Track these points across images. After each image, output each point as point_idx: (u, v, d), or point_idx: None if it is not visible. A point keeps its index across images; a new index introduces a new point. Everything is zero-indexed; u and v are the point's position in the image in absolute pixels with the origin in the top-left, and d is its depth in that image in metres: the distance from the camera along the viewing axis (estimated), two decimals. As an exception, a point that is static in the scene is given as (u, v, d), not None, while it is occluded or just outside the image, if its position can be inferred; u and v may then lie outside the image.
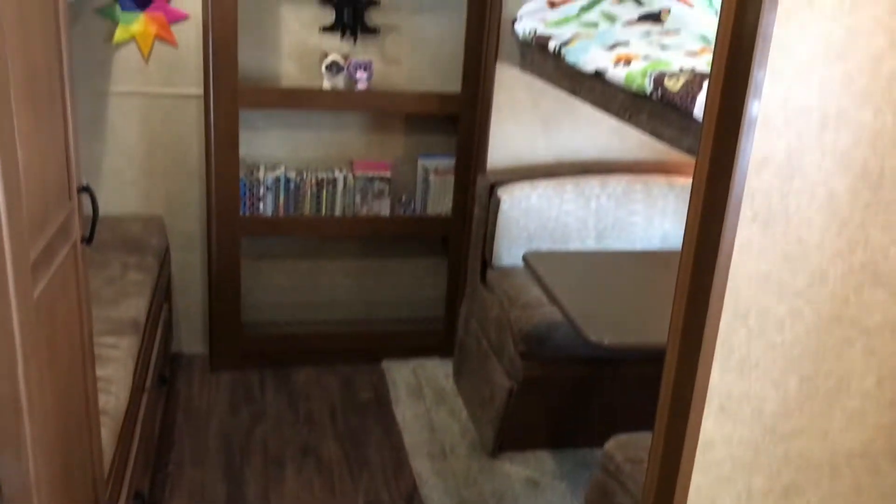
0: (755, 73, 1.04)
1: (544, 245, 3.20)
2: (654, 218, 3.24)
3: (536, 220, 3.17)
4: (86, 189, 1.61)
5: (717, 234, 1.10)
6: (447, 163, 3.44)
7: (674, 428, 1.26)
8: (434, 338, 3.62)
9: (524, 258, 2.87)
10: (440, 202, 3.48)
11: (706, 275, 1.14)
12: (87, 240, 1.65)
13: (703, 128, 1.10)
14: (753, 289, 1.17)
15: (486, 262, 3.26)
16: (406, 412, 3.26)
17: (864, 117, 1.12)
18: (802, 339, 1.23)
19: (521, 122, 3.23)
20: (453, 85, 3.36)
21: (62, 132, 1.56)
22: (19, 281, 1.17)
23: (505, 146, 3.24)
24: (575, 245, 3.22)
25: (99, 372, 2.31)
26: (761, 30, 1.02)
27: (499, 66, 3.16)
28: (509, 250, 3.18)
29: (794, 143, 1.10)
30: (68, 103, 1.56)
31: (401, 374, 3.50)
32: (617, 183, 3.24)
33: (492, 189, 3.20)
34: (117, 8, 3.06)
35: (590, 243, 3.24)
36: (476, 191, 3.27)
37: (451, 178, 3.44)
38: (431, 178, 3.45)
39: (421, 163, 3.46)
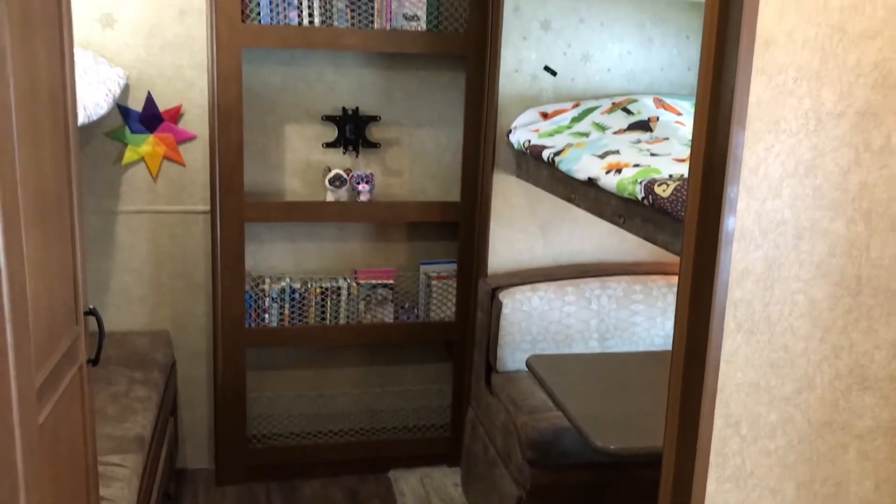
0: (728, 191, 1.09)
1: (548, 348, 3.22)
2: (655, 318, 3.27)
3: (539, 324, 3.20)
4: (92, 312, 1.66)
5: (703, 345, 1.14)
6: (449, 268, 3.51)
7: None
8: (441, 445, 3.60)
9: (527, 363, 2.88)
10: (443, 307, 3.52)
11: (695, 386, 1.17)
12: (93, 362, 1.68)
13: (682, 242, 1.16)
14: (743, 397, 1.19)
15: (490, 366, 3.28)
16: (414, 523, 3.22)
17: (837, 228, 1.17)
18: (796, 446, 1.25)
19: (519, 227, 3.31)
20: (453, 194, 3.46)
21: (70, 257, 1.61)
22: (24, 409, 1.20)
23: (505, 251, 3.31)
24: (578, 347, 3.24)
25: (104, 492, 2.32)
26: (731, 151, 1.08)
27: (496, 174, 3.26)
28: (513, 354, 3.20)
29: (772, 254, 1.15)
30: (77, 229, 1.63)
31: (408, 484, 3.47)
32: (617, 284, 3.29)
33: (493, 293, 3.24)
34: (127, 130, 3.19)
35: (593, 345, 3.26)
36: (478, 295, 3.32)
37: (453, 284, 3.50)
38: (434, 283, 3.51)
39: (423, 269, 3.52)
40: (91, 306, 1.68)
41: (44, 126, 1.42)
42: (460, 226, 3.44)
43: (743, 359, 1.17)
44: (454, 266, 3.49)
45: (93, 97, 2.77)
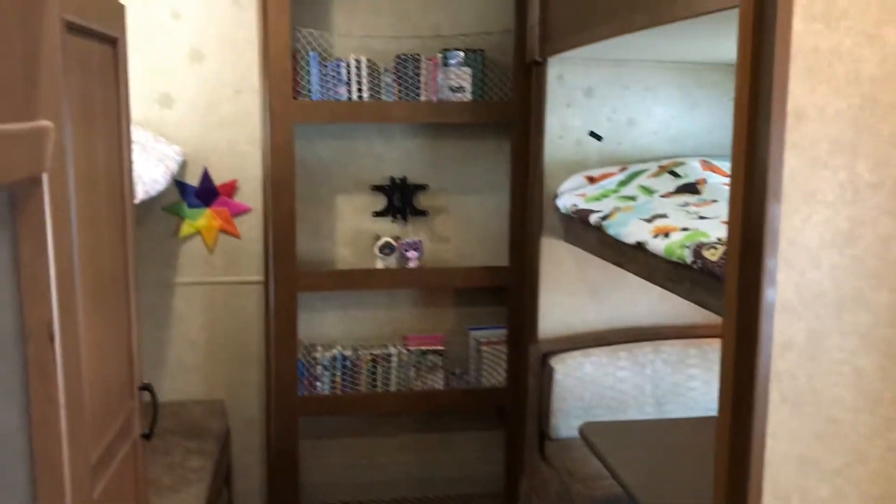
0: (767, 263, 1.10)
1: (602, 414, 3.19)
2: (712, 382, 3.22)
3: (592, 390, 3.17)
4: (146, 387, 1.71)
5: (748, 418, 1.13)
6: (498, 334, 3.51)
7: None
8: (495, 514, 3.56)
9: (580, 430, 2.86)
10: (494, 373, 3.52)
11: (742, 460, 1.16)
12: (147, 436, 1.73)
13: (724, 315, 1.16)
14: (792, 471, 1.18)
15: (543, 434, 3.25)
16: None
17: (880, 298, 1.17)
18: (850, 522, 1.22)
19: (569, 291, 3.31)
20: (500, 259, 3.49)
21: (126, 334, 1.68)
22: (77, 486, 1.24)
23: (555, 315, 3.31)
24: (634, 413, 3.20)
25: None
26: (768, 223, 1.09)
27: (543, 239, 3.28)
28: (566, 421, 3.18)
29: (813, 325, 1.15)
30: (132, 306, 1.69)
31: (462, 555, 3.42)
32: (671, 348, 3.25)
33: (544, 359, 3.24)
34: (184, 205, 3.31)
35: (649, 411, 3.21)
36: (528, 361, 3.31)
37: (503, 349, 3.50)
38: (484, 349, 3.51)
39: (472, 335, 3.53)
40: (145, 381, 1.74)
41: (101, 209, 1.50)
42: (509, 290, 3.45)
43: (789, 431, 1.16)
44: (503, 331, 3.49)
45: (151, 174, 2.89)
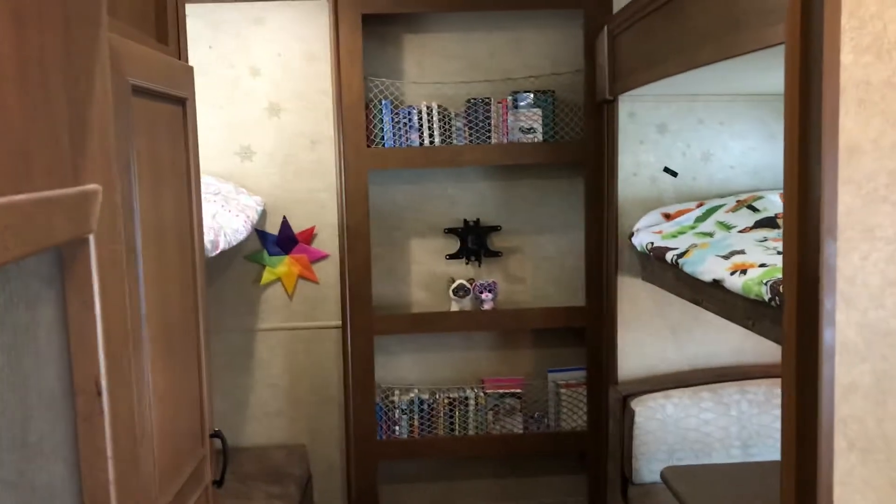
0: (824, 302, 1.06)
1: (686, 458, 3.09)
2: (801, 423, 3.08)
3: (675, 432, 3.09)
4: (217, 434, 1.75)
5: (812, 466, 1.09)
6: (577, 375, 3.47)
7: None
8: (579, 562, 3.48)
9: (662, 475, 2.78)
10: (574, 416, 3.47)
11: (808, 508, 1.11)
12: (218, 483, 1.77)
13: (782, 358, 1.12)
14: (864, 522, 1.12)
15: (626, 478, 3.17)
16: None
17: (953, 337, 1.11)
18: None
19: (648, 330, 3.25)
20: (577, 298, 3.45)
21: (197, 382, 1.73)
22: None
23: (635, 356, 3.25)
24: (719, 456, 3.09)
25: None
26: (824, 262, 1.06)
27: (620, 277, 3.24)
28: (649, 465, 3.09)
29: (880, 366, 1.10)
30: (203, 355, 1.74)
31: None
32: (757, 388, 3.14)
33: (625, 401, 3.17)
34: (265, 253, 3.41)
35: (735, 453, 3.10)
36: (609, 404, 3.25)
37: (583, 391, 3.44)
38: (563, 392, 3.47)
39: (551, 377, 3.50)
40: (216, 428, 1.78)
41: (171, 262, 1.56)
42: (587, 331, 3.41)
43: (860, 480, 1.10)
44: (583, 373, 3.44)
45: (233, 225, 3.00)
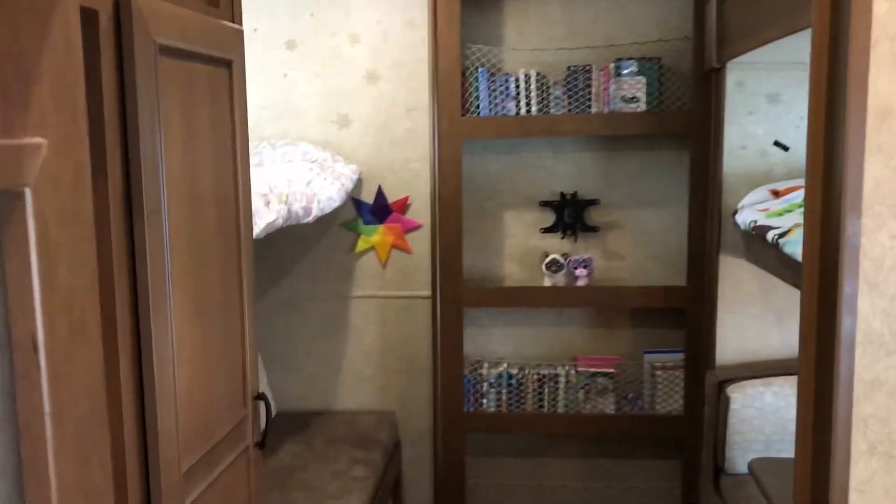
0: (844, 287, 0.94)
1: (785, 450, 2.90)
2: (918, 423, 2.82)
3: (774, 422, 2.92)
4: (260, 397, 1.78)
5: (825, 472, 0.97)
6: (675, 358, 3.32)
7: None
8: (669, 550, 3.35)
9: (749, 466, 2.64)
10: (670, 400, 3.33)
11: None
12: (260, 444, 1.80)
13: (799, 349, 1.00)
14: (889, 535, 0.99)
15: (719, 467, 3.01)
16: None
17: None
18: None
19: (750, 314, 3.07)
20: (679, 278, 3.29)
21: (240, 346, 1.76)
22: (167, 491, 1.31)
23: (735, 340, 3.08)
24: (822, 452, 2.87)
25: (310, 567, 2.44)
26: (845, 241, 0.93)
27: (723, 257, 3.08)
28: (744, 455, 2.94)
29: (913, 363, 0.96)
30: (247, 321, 1.77)
31: (631, 590, 3.26)
32: (870, 381, 2.89)
33: (720, 387, 3.02)
34: (360, 222, 3.45)
35: (840, 450, 2.87)
36: (704, 389, 3.09)
37: (680, 374, 3.29)
38: (658, 374, 3.33)
39: (647, 358, 3.37)
40: (261, 391, 1.81)
41: (208, 227, 1.59)
42: (686, 312, 3.24)
43: (881, 489, 0.98)
44: (681, 356, 3.29)
45: (327, 192, 3.05)
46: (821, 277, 0.97)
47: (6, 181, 0.79)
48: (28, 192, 0.82)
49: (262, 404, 1.83)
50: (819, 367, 0.99)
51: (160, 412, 1.35)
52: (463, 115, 3.24)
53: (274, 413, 3.59)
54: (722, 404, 3.00)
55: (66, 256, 0.91)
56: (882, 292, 0.96)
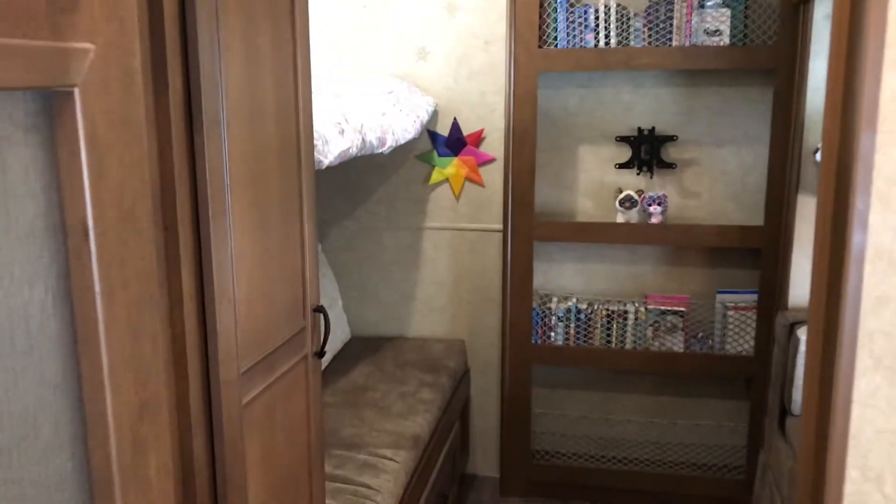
0: (857, 202, 0.95)
1: (856, 395, 2.86)
2: None
3: (844, 367, 2.86)
4: (320, 309, 1.89)
5: (830, 381, 0.99)
6: (748, 299, 3.30)
7: None
8: (734, 488, 3.40)
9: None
10: (741, 341, 3.32)
11: (823, 429, 1.02)
12: (319, 353, 1.91)
13: (812, 264, 1.01)
14: (886, 447, 1.01)
15: (785, 408, 3.00)
16: (691, 567, 3.06)
17: None
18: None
19: (827, 256, 2.99)
20: (756, 218, 3.25)
21: (300, 260, 1.87)
22: (225, 386, 1.43)
23: (809, 282, 3.01)
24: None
25: (369, 481, 2.61)
26: (860, 156, 0.93)
27: (801, 197, 3.03)
28: (811, 398, 2.90)
29: (921, 282, 0.97)
30: (307, 236, 1.88)
31: (692, 525, 3.31)
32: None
33: (791, 329, 2.99)
34: (434, 154, 3.52)
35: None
36: (775, 330, 3.06)
37: (752, 315, 3.27)
38: (730, 314, 3.31)
39: (719, 298, 3.35)
40: (320, 304, 1.92)
41: (269, 143, 1.69)
42: (762, 253, 3.20)
43: (884, 401, 1.00)
44: (754, 297, 3.26)
45: (402, 124, 3.14)
46: (836, 194, 0.98)
47: (54, 80, 0.89)
48: (77, 92, 0.92)
49: (321, 317, 1.94)
50: (830, 282, 1.01)
51: (219, 314, 1.47)
52: (539, 46, 3.24)
53: (349, 336, 3.75)
54: (792, 346, 2.97)
55: (116, 155, 1.01)
56: (894, 209, 0.96)
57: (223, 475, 1.54)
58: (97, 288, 0.97)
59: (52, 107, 0.91)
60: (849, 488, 1.02)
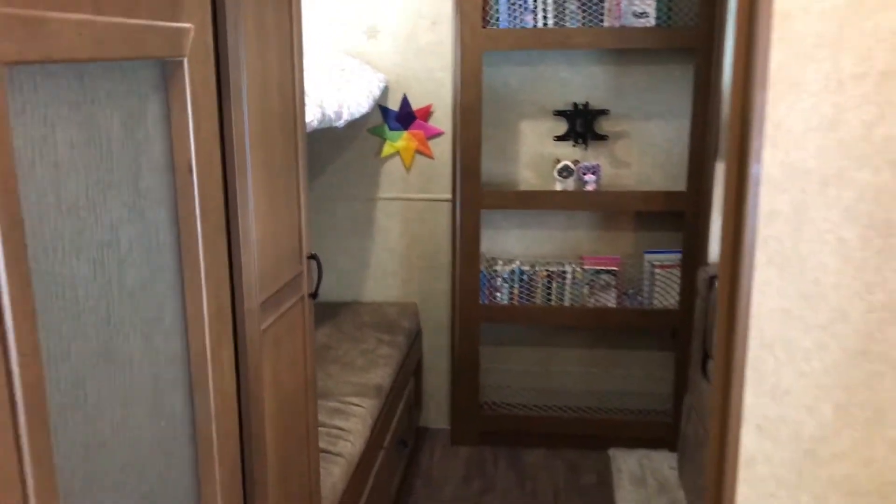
0: (753, 143, 1.36)
1: (767, 338, 3.35)
2: None
3: (757, 313, 3.35)
4: (313, 257, 2.25)
5: (737, 275, 1.41)
6: (673, 258, 3.76)
7: (720, 446, 1.53)
8: (662, 430, 3.86)
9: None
10: (666, 296, 3.79)
11: (733, 310, 1.44)
12: (313, 295, 2.27)
13: (725, 188, 1.43)
14: (777, 322, 1.44)
15: (707, 353, 3.48)
16: (627, 499, 3.52)
17: (863, 176, 1.38)
18: (831, 371, 1.46)
19: (742, 216, 3.47)
20: (679, 184, 3.71)
21: (297, 215, 2.22)
22: (249, 313, 1.78)
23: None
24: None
25: (341, 423, 2.97)
26: (755, 109, 1.35)
27: (718, 164, 3.47)
28: (729, 342, 3.38)
29: (798, 198, 1.39)
30: (302, 193, 2.23)
31: (626, 463, 3.78)
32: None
33: (711, 281, 3.45)
34: (386, 128, 3.89)
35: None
36: (697, 284, 3.54)
37: (677, 273, 3.74)
38: (657, 272, 3.78)
39: (647, 258, 3.81)
40: (313, 252, 2.27)
41: (274, 110, 2.03)
42: (685, 215, 3.67)
43: (776, 289, 1.42)
44: (678, 255, 3.73)
45: (355, 98, 3.48)
46: (740, 140, 1.39)
47: (171, 52, 1.23)
48: (185, 62, 1.26)
49: (314, 263, 2.30)
50: (737, 202, 1.42)
51: (243, 250, 1.81)
52: (483, 27, 3.64)
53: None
54: (712, 297, 3.45)
55: (206, 112, 1.36)
56: (779, 147, 1.38)
57: (247, 390, 1.90)
58: (197, 212, 1.31)
59: (169, 73, 1.25)
60: (750, 354, 1.44)
